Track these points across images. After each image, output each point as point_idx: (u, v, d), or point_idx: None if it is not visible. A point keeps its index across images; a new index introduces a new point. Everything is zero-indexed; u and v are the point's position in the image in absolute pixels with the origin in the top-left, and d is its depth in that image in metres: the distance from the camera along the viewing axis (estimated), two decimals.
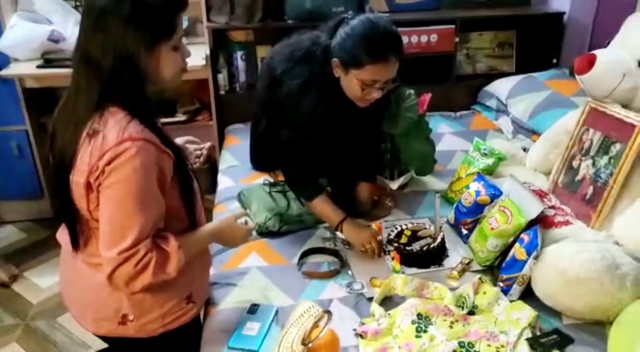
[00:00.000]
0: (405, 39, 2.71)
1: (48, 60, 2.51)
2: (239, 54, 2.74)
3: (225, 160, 2.42)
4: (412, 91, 1.94)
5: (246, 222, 1.51)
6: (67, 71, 1.20)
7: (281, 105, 1.70)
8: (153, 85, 1.23)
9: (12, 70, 2.53)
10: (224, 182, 2.25)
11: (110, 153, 1.10)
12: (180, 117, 2.76)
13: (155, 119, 1.23)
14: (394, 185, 2.03)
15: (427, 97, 2.00)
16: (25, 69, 2.53)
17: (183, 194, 1.27)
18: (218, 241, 1.44)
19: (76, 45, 1.17)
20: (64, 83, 1.22)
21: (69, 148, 1.16)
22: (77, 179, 1.16)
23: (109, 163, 1.11)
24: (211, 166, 2.73)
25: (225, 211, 1.99)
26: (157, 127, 1.21)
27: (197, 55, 2.58)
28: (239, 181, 2.21)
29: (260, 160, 2.26)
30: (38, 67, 2.51)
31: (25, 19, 2.54)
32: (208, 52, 2.62)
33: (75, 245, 1.26)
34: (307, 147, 1.73)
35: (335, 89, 1.65)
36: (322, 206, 1.77)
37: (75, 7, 2.70)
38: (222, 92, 2.78)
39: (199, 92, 2.84)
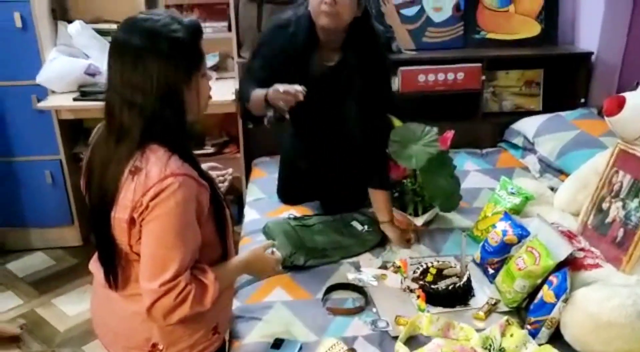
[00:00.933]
0: (432, 77, 2.77)
1: (84, 93, 2.60)
2: None
3: (252, 193, 2.45)
4: (434, 128, 1.96)
5: (273, 253, 1.52)
6: (102, 104, 1.23)
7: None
8: (192, 117, 1.26)
9: (49, 102, 2.63)
10: (250, 214, 2.27)
11: (154, 189, 1.14)
12: (209, 150, 2.82)
13: (193, 153, 1.26)
14: (419, 221, 2.02)
15: (450, 134, 2.02)
16: (62, 101, 2.63)
17: (217, 224, 1.30)
18: (248, 272, 1.48)
19: (110, 85, 1.19)
20: (98, 115, 1.26)
21: (111, 186, 1.19)
22: (120, 215, 1.18)
23: (152, 198, 1.14)
24: (237, 198, 2.76)
25: (251, 243, 2.01)
26: (195, 161, 1.25)
27: (227, 89, 2.66)
28: (265, 214, 2.23)
29: (286, 192, 2.29)
30: (75, 99, 2.60)
31: (64, 54, 2.65)
32: (237, 86, 2.68)
33: (113, 278, 1.27)
34: (259, 76, 1.85)
35: (311, 39, 1.83)
36: (255, 95, 1.81)
37: None
38: (250, 126, 2.83)
39: (227, 125, 2.92)
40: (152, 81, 1.15)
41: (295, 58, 1.85)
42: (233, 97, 2.61)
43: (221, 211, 1.32)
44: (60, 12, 2.80)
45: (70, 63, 2.62)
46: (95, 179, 1.23)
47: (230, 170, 1.66)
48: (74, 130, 2.83)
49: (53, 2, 2.72)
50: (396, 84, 2.74)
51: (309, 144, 2.12)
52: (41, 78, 2.58)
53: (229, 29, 2.76)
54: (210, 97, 1.31)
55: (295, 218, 2.09)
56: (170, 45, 1.16)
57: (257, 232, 2.08)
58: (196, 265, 1.24)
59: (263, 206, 2.31)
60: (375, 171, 1.96)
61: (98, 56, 2.70)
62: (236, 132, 2.78)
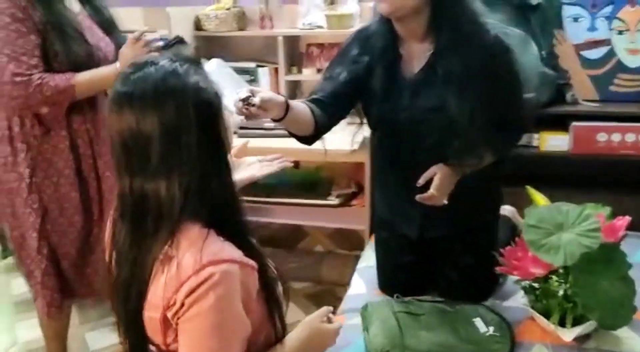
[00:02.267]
0: (616, 137, 2.18)
1: None
2: None
3: (367, 258, 2.08)
4: (587, 211, 1.42)
5: (329, 319, 1.22)
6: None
7: None
8: None
9: None
10: (356, 285, 1.91)
11: (190, 283, 0.93)
12: (333, 201, 2.55)
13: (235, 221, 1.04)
14: (567, 336, 1.47)
15: (624, 221, 1.45)
16: None
17: (268, 304, 1.09)
18: (308, 350, 1.20)
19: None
20: None
21: (141, 280, 0.99)
22: (151, 314, 0.99)
23: (188, 295, 0.94)
24: (355, 258, 2.43)
25: (345, 325, 1.64)
26: (238, 232, 1.03)
27: (357, 137, 2.36)
28: (374, 290, 1.86)
29: (385, 277, 1.89)
30: None
31: None
32: (367, 134, 2.37)
33: None
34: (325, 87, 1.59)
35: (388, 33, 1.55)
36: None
37: (250, 82, 2.71)
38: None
39: (355, 176, 2.64)
40: (192, 156, 0.96)
41: (375, 60, 1.56)
42: (362, 144, 2.32)
43: (271, 288, 1.09)
44: (204, 51, 2.79)
45: None
46: (125, 272, 1.02)
47: (285, 159, 1.46)
48: None
49: (198, 40, 2.73)
50: (567, 142, 2.20)
51: (404, 191, 1.64)
52: None
53: None
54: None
55: (403, 301, 1.68)
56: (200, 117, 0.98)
57: (355, 311, 1.71)
58: None
59: (374, 278, 1.92)
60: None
61: (232, 93, 2.61)
62: (364, 183, 2.48)
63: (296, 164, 2.67)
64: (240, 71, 2.76)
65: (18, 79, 1.69)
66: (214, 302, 0.93)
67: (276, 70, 2.75)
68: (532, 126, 2.07)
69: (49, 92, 1.71)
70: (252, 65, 2.79)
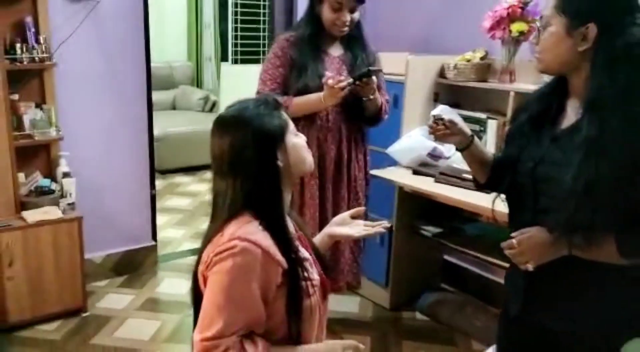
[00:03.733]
0: None
1: (416, 171, 2.70)
2: None
3: None
4: None
5: None
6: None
7: None
8: (289, 178, 1.34)
9: (388, 172, 2.85)
10: None
11: (220, 247, 1.22)
12: None
13: (285, 226, 1.29)
14: None
15: None
16: (401, 173, 2.82)
17: (288, 308, 1.26)
18: None
19: None
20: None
21: (204, 245, 1.30)
22: (201, 268, 1.29)
23: (216, 255, 1.22)
24: None
25: None
26: (283, 235, 1.26)
27: None
28: None
29: None
30: (414, 172, 2.78)
31: (420, 133, 2.82)
32: None
33: None
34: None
35: None
36: None
37: (478, 131, 2.79)
38: None
39: None
40: (239, 155, 1.27)
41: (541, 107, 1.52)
42: None
43: (296, 296, 1.26)
44: (445, 96, 2.98)
45: (420, 142, 2.76)
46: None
47: (384, 222, 1.55)
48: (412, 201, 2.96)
49: (436, 87, 2.94)
50: None
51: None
52: (391, 149, 2.82)
53: None
54: (309, 150, 1.38)
55: None
56: (251, 121, 1.29)
57: None
58: (251, 335, 1.22)
59: None
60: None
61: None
62: None
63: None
64: (472, 120, 2.86)
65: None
66: (230, 267, 1.18)
67: (504, 123, 2.75)
68: None
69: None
70: (483, 115, 2.85)
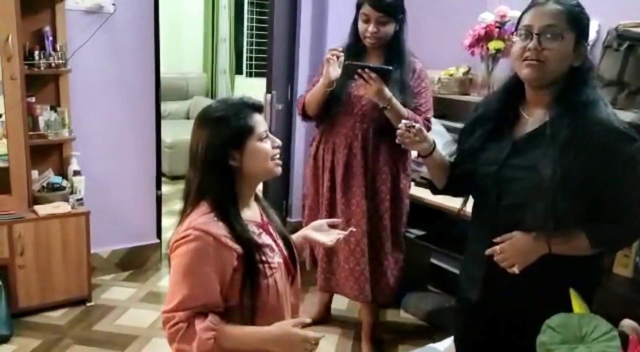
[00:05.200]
0: None
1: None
2: None
3: None
4: (614, 332, 1.31)
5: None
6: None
7: None
8: (249, 178, 1.46)
9: None
10: None
11: (179, 235, 1.40)
12: None
13: (235, 218, 1.41)
14: None
15: None
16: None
17: (244, 287, 1.40)
18: (273, 348, 1.37)
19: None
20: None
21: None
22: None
23: (175, 241, 1.40)
24: None
25: None
26: (236, 222, 1.41)
27: None
28: None
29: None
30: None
31: None
32: None
33: None
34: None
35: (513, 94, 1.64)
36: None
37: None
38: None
39: None
40: (198, 151, 1.43)
41: (497, 115, 1.65)
42: None
43: (252, 278, 1.40)
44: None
45: None
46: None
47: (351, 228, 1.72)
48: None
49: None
50: None
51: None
52: None
53: None
54: (273, 157, 1.47)
55: None
56: (214, 123, 1.42)
57: None
58: (205, 311, 1.35)
59: None
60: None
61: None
62: None
63: None
64: (455, 130, 3.02)
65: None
66: (185, 252, 1.35)
67: None
68: None
69: (298, 102, 2.71)
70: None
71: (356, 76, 2.30)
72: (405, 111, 2.41)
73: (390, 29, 2.45)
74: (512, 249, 1.55)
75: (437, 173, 1.79)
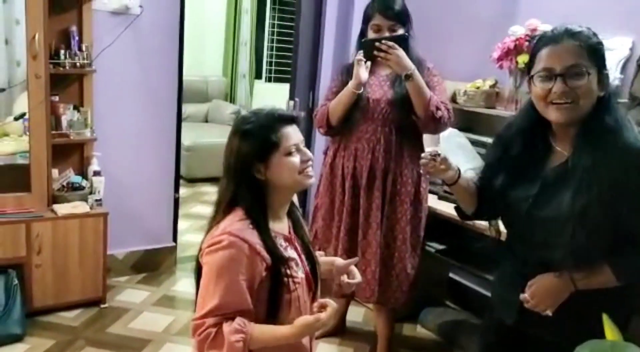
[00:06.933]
0: None
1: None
2: None
3: None
4: None
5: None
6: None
7: None
8: (283, 190, 1.46)
9: None
10: None
11: (213, 239, 1.38)
12: None
13: (268, 226, 1.42)
14: None
15: None
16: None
17: (269, 300, 1.40)
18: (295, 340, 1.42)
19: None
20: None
21: (205, 234, 1.48)
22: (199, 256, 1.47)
23: (207, 247, 1.39)
24: None
25: None
26: (267, 234, 1.41)
27: None
28: None
29: None
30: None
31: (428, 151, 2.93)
32: None
33: None
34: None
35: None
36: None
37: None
38: None
39: None
40: (230, 160, 1.44)
41: (524, 154, 1.60)
42: None
43: (276, 290, 1.40)
44: (459, 120, 3.08)
45: None
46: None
47: (357, 281, 1.64)
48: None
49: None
50: None
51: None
52: None
53: None
54: (302, 171, 1.45)
55: None
56: (241, 136, 1.42)
57: None
58: (234, 315, 1.34)
59: None
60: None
61: (460, 162, 2.84)
62: None
63: None
64: (480, 144, 2.97)
65: (318, 107, 2.72)
66: (218, 258, 1.34)
67: None
68: None
69: (317, 114, 2.66)
70: (490, 140, 2.95)
71: (375, 52, 2.35)
72: (426, 89, 2.42)
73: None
74: (540, 293, 1.54)
75: (464, 198, 1.75)
